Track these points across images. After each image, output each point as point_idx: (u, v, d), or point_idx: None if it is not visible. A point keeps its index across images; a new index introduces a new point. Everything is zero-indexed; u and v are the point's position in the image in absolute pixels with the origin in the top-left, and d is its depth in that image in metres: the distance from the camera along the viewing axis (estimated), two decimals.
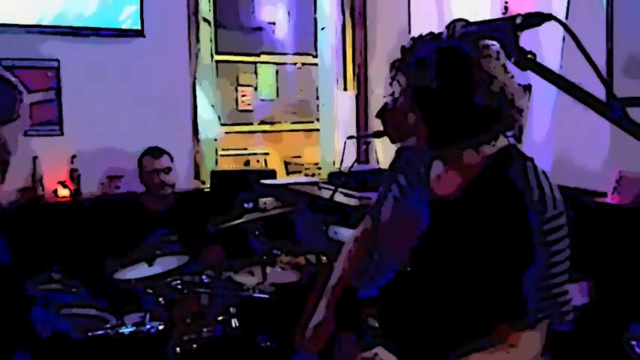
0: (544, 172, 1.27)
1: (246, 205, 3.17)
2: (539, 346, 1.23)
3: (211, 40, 4.46)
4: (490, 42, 1.23)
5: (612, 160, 2.77)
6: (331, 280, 1.69)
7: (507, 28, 1.01)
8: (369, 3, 4.59)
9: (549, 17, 1.00)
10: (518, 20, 1.00)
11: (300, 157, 5.65)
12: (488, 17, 3.44)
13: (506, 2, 3.35)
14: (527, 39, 1.03)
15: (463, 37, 1.12)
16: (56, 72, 3.73)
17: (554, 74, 0.96)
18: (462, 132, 1.25)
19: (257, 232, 3.12)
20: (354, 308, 1.55)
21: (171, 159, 3.41)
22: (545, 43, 2.77)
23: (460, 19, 1.14)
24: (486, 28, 1.07)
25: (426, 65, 1.23)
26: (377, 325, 1.38)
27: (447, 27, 1.14)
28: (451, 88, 1.22)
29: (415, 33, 1.37)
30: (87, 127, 3.77)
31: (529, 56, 0.99)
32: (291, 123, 5.98)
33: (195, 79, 4.19)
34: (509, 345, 1.23)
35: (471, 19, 1.13)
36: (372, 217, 1.66)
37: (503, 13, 3.38)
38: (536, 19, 1.01)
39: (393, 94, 1.30)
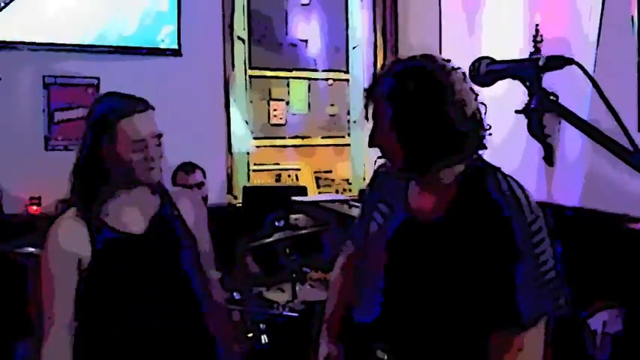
0: (514, 179, 1.32)
1: (277, 223, 3.22)
2: (542, 343, 1.28)
3: (245, 58, 4.55)
4: (455, 66, 1.30)
5: None
6: (326, 313, 1.67)
7: (531, 69, 1.05)
8: (400, 23, 4.64)
9: (571, 62, 1.03)
10: (541, 62, 1.04)
11: (331, 171, 5.69)
12: (519, 38, 3.50)
13: (537, 25, 3.37)
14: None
15: (488, 74, 1.15)
16: (96, 89, 3.86)
17: (576, 117, 0.99)
18: (438, 154, 1.29)
19: (287, 250, 3.16)
20: (355, 335, 1.52)
21: (204, 174, 3.48)
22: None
23: (485, 57, 1.17)
24: (511, 67, 1.11)
25: (401, 91, 1.28)
26: (385, 357, 1.35)
27: (472, 64, 1.18)
28: (427, 112, 1.27)
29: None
30: None
31: (552, 97, 1.02)
32: (322, 137, 6.02)
33: (228, 95, 4.27)
34: (518, 350, 1.26)
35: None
36: (354, 241, 1.64)
37: (534, 36, 3.39)
38: (559, 62, 1.05)
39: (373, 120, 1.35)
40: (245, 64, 4.69)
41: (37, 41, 3.64)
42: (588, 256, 2.74)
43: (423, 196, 1.39)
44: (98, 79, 3.86)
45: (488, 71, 1.15)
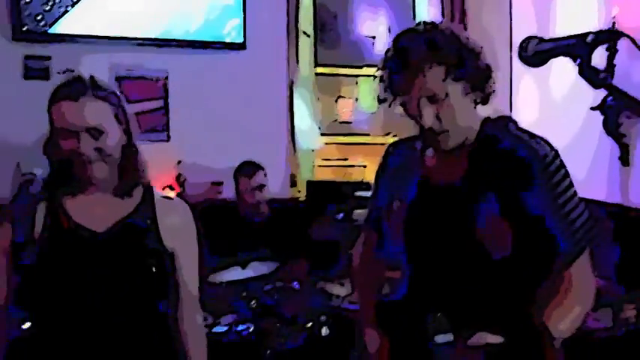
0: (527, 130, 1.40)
1: (337, 216, 3.19)
2: (592, 272, 1.34)
3: (310, 53, 4.55)
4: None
5: None
6: (360, 303, 1.71)
7: (581, 46, 1.02)
8: (470, 16, 4.52)
9: (621, 34, 1.01)
10: (590, 38, 1.02)
11: None
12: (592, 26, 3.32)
13: (614, 17, 3.19)
14: None
15: (537, 54, 1.21)
16: (164, 82, 3.94)
17: (626, 96, 0.94)
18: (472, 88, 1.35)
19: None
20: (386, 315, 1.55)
21: (265, 174, 3.47)
22: None
23: (534, 37, 1.23)
24: (560, 45, 1.11)
25: (437, 46, 1.31)
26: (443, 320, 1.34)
27: (520, 44, 1.24)
28: (462, 59, 1.32)
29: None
30: (191, 134, 3.94)
31: (601, 75, 1.00)
32: (389, 136, 5.96)
33: (292, 90, 4.29)
34: (569, 283, 1.32)
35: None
36: (371, 231, 1.63)
37: (611, 28, 3.21)
38: (609, 35, 1.02)
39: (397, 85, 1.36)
40: (310, 59, 4.69)
41: (108, 35, 3.75)
42: None
43: (439, 160, 1.43)
44: (167, 72, 3.94)
45: (536, 51, 1.22)
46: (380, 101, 1.44)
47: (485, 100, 1.37)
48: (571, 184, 1.32)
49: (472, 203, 1.34)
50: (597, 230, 1.33)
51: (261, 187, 3.40)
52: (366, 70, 6.00)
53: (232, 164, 3.55)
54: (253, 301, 2.81)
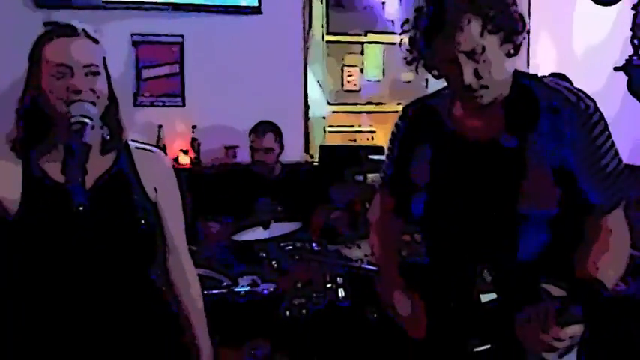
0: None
1: (357, 177, 3.22)
2: (626, 226, 1.33)
3: (323, 19, 4.53)
4: None
5: None
6: (382, 267, 1.66)
7: None
8: None
9: None
10: None
11: None
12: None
13: None
14: None
15: None
16: (180, 47, 3.95)
17: None
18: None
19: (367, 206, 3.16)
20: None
21: (279, 136, 3.47)
22: None
23: None
24: None
25: None
26: (490, 278, 1.34)
27: None
28: (499, 10, 1.26)
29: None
30: (207, 99, 3.96)
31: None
32: (397, 104, 5.93)
33: (306, 56, 4.30)
34: (608, 233, 1.30)
35: None
36: (387, 194, 1.62)
37: None
38: None
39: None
40: (323, 26, 4.66)
41: (126, 0, 3.75)
42: None
43: (472, 116, 1.39)
44: (182, 37, 3.94)
45: None
46: (408, 63, 1.38)
47: (516, 51, 1.31)
48: (609, 136, 1.29)
49: (515, 158, 1.30)
50: (632, 181, 1.32)
51: (268, 150, 3.41)
52: (372, 37, 5.95)
53: (247, 129, 3.59)
54: (274, 261, 2.84)
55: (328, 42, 5.16)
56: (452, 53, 1.26)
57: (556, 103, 1.29)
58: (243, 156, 3.82)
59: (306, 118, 4.38)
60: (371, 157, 4.01)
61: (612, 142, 1.30)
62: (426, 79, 5.12)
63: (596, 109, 1.29)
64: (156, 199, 1.51)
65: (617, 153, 1.31)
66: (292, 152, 4.00)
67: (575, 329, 1.14)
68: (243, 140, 3.69)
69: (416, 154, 1.47)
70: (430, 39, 1.30)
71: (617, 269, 1.29)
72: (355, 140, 5.57)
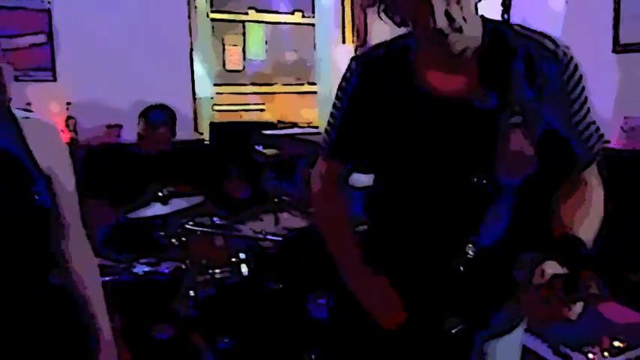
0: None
1: (257, 147, 3.08)
2: (601, 180, 1.26)
3: None
4: None
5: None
6: (342, 258, 1.40)
7: None
8: None
9: None
10: None
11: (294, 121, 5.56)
12: None
13: None
14: None
15: None
16: (48, 14, 3.55)
17: None
18: None
19: (268, 175, 3.03)
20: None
21: (173, 125, 3.25)
22: None
23: None
24: None
25: None
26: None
27: None
28: None
29: None
30: (82, 73, 3.60)
31: None
32: (283, 85, 5.86)
33: (192, 31, 4.11)
34: (586, 185, 1.24)
35: None
36: (333, 160, 1.40)
37: None
38: None
39: None
40: (207, 2, 4.50)
41: None
42: None
43: (441, 68, 1.22)
44: (50, 2, 3.55)
45: None
46: (369, 5, 1.22)
47: None
48: (584, 88, 1.19)
49: (491, 115, 1.17)
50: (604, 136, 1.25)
51: (160, 142, 3.20)
52: (253, 15, 5.81)
53: (129, 106, 3.30)
54: (174, 239, 2.62)
55: (213, 19, 5.01)
56: None
57: (534, 52, 1.17)
58: (128, 134, 3.52)
59: (194, 96, 4.17)
60: (263, 132, 3.89)
61: (586, 95, 1.20)
62: (312, 61, 5.05)
63: (572, 57, 1.18)
64: (49, 173, 1.34)
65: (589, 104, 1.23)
66: (181, 131, 3.76)
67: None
68: (127, 119, 3.39)
69: (371, 111, 1.27)
70: None
71: (595, 226, 1.20)
72: (242, 117, 5.42)
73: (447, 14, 1.11)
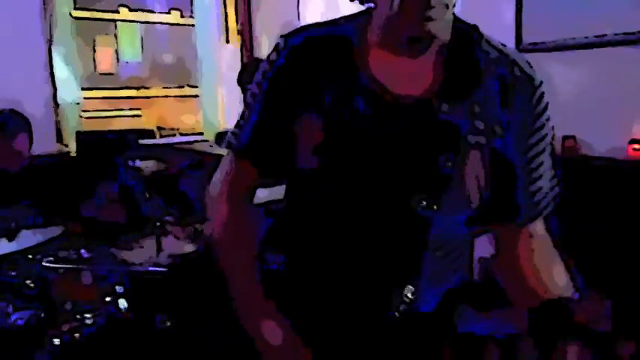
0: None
1: (131, 163, 2.69)
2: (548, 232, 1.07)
3: None
4: None
5: None
6: (245, 296, 1.10)
7: None
8: None
9: None
10: None
11: (178, 128, 5.21)
12: None
13: None
14: None
15: None
16: None
17: None
18: None
19: (146, 194, 2.66)
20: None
21: (30, 133, 2.79)
22: None
23: None
24: None
25: None
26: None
27: None
28: None
29: None
30: None
31: None
32: (163, 88, 5.52)
33: (50, 35, 3.67)
34: (529, 236, 1.04)
35: None
36: (243, 162, 1.10)
37: None
38: None
39: None
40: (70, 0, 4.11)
41: None
42: None
43: (395, 63, 0.99)
44: None
45: None
46: None
47: None
48: (549, 119, 1.02)
49: (451, 127, 0.96)
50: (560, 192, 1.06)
51: (18, 152, 2.72)
52: (126, 14, 5.40)
53: None
54: (29, 280, 2.20)
55: (76, 18, 4.59)
56: None
57: (504, 71, 0.99)
58: None
59: (56, 103, 3.70)
60: (142, 141, 3.50)
61: (552, 136, 1.03)
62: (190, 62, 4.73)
63: (542, 83, 1.01)
64: None
65: (553, 152, 1.04)
66: (41, 144, 3.27)
67: None
68: None
69: (297, 105, 1.02)
70: None
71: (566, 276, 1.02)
72: (114, 124, 4.97)
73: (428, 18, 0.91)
